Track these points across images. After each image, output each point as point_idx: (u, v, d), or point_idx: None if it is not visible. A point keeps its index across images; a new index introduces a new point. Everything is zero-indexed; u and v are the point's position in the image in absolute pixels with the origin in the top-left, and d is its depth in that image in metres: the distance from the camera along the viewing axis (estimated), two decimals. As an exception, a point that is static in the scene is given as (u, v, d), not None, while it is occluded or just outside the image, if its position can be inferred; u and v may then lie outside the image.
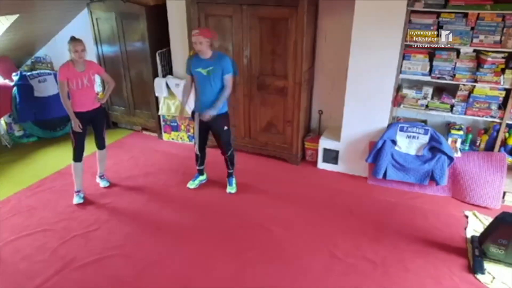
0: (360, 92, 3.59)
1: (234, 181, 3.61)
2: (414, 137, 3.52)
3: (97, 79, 5.02)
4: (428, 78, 3.45)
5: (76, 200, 3.47)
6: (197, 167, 3.66)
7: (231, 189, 3.58)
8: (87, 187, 3.66)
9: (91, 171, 3.89)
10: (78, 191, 3.49)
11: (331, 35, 3.93)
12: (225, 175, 3.62)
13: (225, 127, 3.33)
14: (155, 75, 4.45)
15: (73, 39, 3.09)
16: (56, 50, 5.20)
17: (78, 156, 3.36)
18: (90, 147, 3.59)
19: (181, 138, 4.70)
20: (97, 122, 3.44)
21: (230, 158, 3.50)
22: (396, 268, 2.68)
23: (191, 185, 3.66)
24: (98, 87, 5.14)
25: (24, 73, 4.55)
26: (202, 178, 3.73)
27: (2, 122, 4.61)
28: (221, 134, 3.35)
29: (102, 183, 3.68)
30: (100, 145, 3.56)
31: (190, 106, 4.34)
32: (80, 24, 4.97)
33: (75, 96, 3.20)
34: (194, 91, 3.36)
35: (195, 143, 3.50)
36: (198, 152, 3.52)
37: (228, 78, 3.15)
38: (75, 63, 3.12)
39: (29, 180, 3.82)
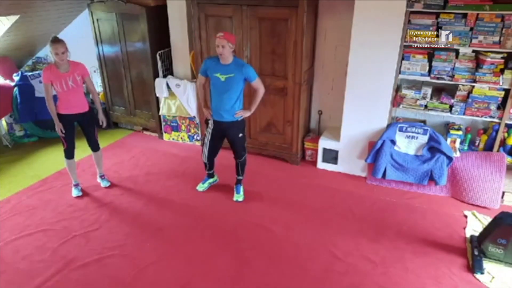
0: (359, 92, 3.60)
1: (241, 189, 3.50)
2: (413, 137, 3.53)
3: (97, 80, 5.06)
4: (427, 78, 3.46)
5: (74, 193, 3.54)
6: (207, 171, 3.59)
7: (238, 197, 3.47)
8: (88, 187, 3.67)
9: (91, 171, 3.90)
10: (76, 184, 3.57)
11: (330, 35, 3.94)
12: (230, 180, 3.56)
13: (240, 134, 3.25)
14: (156, 75, 4.46)
15: (53, 41, 2.98)
16: (57, 51, 5.21)
17: (69, 154, 3.39)
18: (88, 148, 3.58)
19: (181, 138, 4.71)
20: (86, 125, 3.39)
21: (242, 164, 3.40)
22: (395, 268, 2.68)
23: (200, 187, 3.60)
24: (99, 88, 5.17)
25: (25, 73, 4.56)
26: (212, 180, 3.66)
27: (3, 122, 4.62)
28: (236, 141, 3.27)
29: (103, 183, 3.69)
30: (94, 147, 3.53)
31: (191, 107, 4.37)
32: (81, 25, 4.99)
33: (62, 98, 3.16)
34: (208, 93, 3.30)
35: (203, 150, 3.40)
36: (206, 161, 3.44)
37: (258, 82, 3.10)
38: (58, 64, 3.06)
39: (30, 180, 3.83)
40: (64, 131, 3.23)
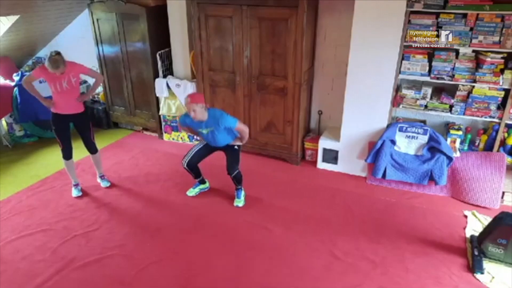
0: (359, 92, 3.60)
1: (242, 193, 3.45)
2: (413, 137, 3.53)
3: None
4: (427, 78, 3.46)
5: (74, 193, 3.54)
6: (195, 179, 3.53)
7: (239, 202, 3.41)
8: (88, 187, 3.67)
9: (91, 171, 3.90)
10: (76, 184, 3.57)
11: (330, 35, 3.94)
12: (229, 180, 3.48)
13: (236, 146, 3.31)
14: (156, 75, 4.46)
15: (50, 60, 2.92)
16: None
17: (66, 155, 3.39)
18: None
19: (181, 138, 4.71)
20: (82, 127, 3.37)
21: (237, 178, 3.35)
22: (395, 268, 2.68)
23: (191, 192, 3.55)
24: (99, 88, 5.16)
25: (25, 73, 4.56)
26: (203, 186, 3.61)
27: (3, 122, 4.62)
28: (231, 152, 3.30)
29: (103, 184, 3.69)
30: (91, 149, 3.50)
31: None
32: (81, 25, 5.00)
33: (56, 98, 3.17)
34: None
35: (186, 155, 3.34)
36: (185, 166, 3.35)
37: (239, 126, 3.14)
38: None
39: (30, 180, 3.83)
40: (57, 127, 3.24)
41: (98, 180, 3.73)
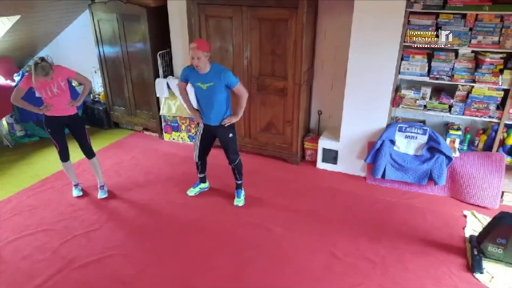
0: (359, 93, 3.61)
1: (242, 193, 3.44)
2: (412, 137, 3.53)
3: (98, 80, 5.07)
4: (426, 79, 3.47)
5: (75, 193, 3.54)
6: (199, 175, 3.56)
7: (239, 201, 3.41)
8: (89, 187, 3.68)
9: (92, 171, 3.90)
10: (76, 184, 3.57)
11: (330, 36, 3.94)
12: (229, 180, 3.53)
13: (230, 134, 3.16)
14: (156, 75, 4.47)
15: (37, 68, 2.80)
16: (58, 51, 5.23)
17: (63, 157, 3.38)
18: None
19: (182, 138, 4.72)
20: (75, 129, 3.32)
21: (238, 167, 3.33)
22: (395, 268, 2.69)
23: (191, 192, 3.56)
24: (99, 88, 5.19)
25: (25, 73, 4.56)
26: (204, 186, 3.62)
27: (4, 122, 4.63)
28: (227, 142, 3.19)
29: (100, 194, 3.52)
30: (87, 154, 3.42)
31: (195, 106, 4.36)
32: (82, 25, 5.01)
33: (48, 103, 3.12)
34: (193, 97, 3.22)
35: (194, 150, 3.37)
36: (197, 160, 3.40)
37: (239, 87, 2.98)
38: None
39: (30, 179, 3.84)
40: (52, 130, 3.23)
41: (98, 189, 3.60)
